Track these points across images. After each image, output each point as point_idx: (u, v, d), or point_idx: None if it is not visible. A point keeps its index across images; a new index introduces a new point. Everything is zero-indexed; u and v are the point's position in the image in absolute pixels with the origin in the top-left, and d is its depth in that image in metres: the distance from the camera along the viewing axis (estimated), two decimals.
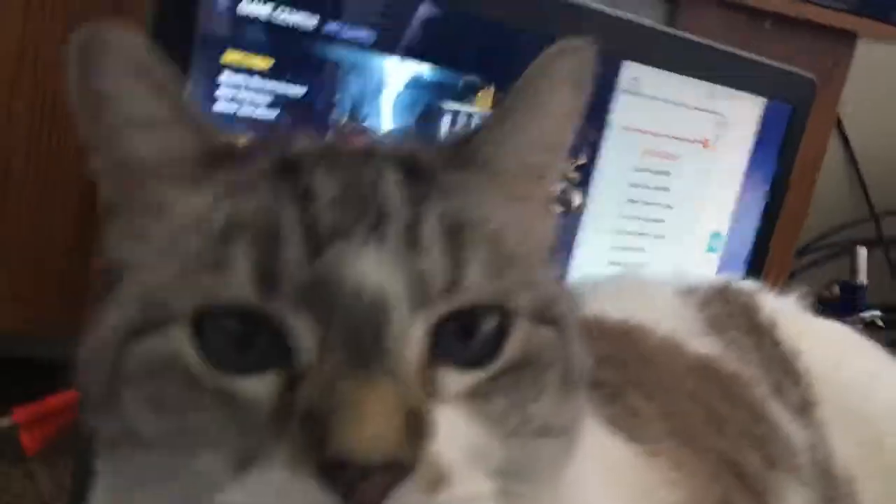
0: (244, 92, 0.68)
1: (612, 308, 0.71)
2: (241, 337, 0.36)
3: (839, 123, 2.24)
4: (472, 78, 0.80)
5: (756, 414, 0.66)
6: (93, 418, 0.40)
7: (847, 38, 1.70)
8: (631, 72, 0.91)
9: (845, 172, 2.38)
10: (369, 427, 0.33)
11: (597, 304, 0.72)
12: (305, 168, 0.39)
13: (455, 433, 0.36)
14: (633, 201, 0.98)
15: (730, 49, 0.99)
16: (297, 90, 0.71)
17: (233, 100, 0.68)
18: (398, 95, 0.77)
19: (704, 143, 1.01)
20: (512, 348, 0.39)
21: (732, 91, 1.00)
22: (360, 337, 0.35)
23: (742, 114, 1.02)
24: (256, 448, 0.35)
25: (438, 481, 0.35)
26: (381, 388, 0.34)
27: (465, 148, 0.43)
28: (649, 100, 0.94)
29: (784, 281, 0.93)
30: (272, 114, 0.70)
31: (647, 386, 0.62)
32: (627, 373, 0.62)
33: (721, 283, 0.80)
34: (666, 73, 0.94)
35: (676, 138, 0.98)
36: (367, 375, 0.35)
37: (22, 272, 1.16)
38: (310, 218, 0.37)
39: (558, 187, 0.48)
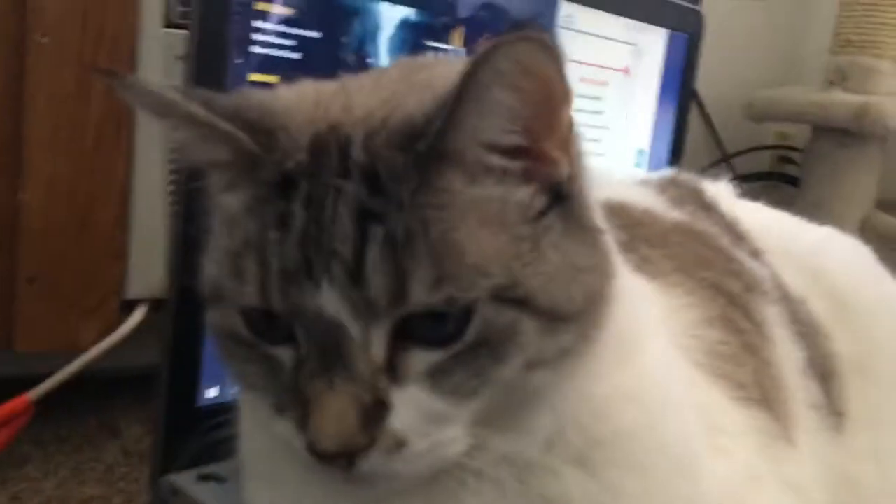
0: (273, 37, 0.78)
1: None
2: (268, 321, 0.48)
3: None
4: (447, 19, 0.93)
5: (728, 256, 0.82)
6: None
7: None
8: (566, 10, 1.06)
9: (697, 122, 2.67)
10: (328, 425, 0.45)
11: None
12: (291, 193, 0.46)
13: (413, 407, 0.46)
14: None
15: None
16: (314, 34, 0.81)
17: (265, 43, 0.78)
18: (391, 36, 0.88)
19: (625, 71, 1.17)
20: (474, 330, 0.46)
21: (642, 24, 1.16)
22: (327, 348, 0.46)
23: (651, 43, 1.19)
24: (283, 404, 0.48)
25: (398, 446, 0.46)
26: (339, 392, 0.45)
27: (427, 141, 0.46)
28: (580, 34, 1.09)
29: None
30: (297, 55, 0.80)
31: (649, 239, 0.76)
32: (631, 232, 0.76)
33: (670, 174, 0.96)
34: (592, 10, 1.09)
35: (604, 67, 1.14)
36: (330, 380, 0.45)
37: None
38: (284, 255, 0.46)
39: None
